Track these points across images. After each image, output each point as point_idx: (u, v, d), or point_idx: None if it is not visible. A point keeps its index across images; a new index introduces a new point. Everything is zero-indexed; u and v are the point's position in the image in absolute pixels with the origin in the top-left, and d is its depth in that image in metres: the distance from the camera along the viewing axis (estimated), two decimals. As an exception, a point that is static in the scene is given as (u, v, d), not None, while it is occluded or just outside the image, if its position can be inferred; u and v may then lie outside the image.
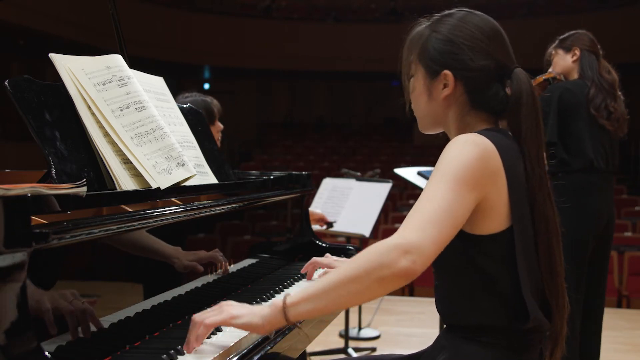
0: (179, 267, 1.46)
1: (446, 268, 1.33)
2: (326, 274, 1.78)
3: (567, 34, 3.00)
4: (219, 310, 1.20)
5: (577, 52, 2.90)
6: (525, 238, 1.29)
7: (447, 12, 1.41)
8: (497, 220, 1.27)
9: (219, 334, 1.34)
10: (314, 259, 1.83)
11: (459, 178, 1.20)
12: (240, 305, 1.22)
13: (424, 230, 1.15)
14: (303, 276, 1.90)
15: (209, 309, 1.23)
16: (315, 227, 3.55)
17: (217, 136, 2.93)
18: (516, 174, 1.29)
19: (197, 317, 1.20)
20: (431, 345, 1.45)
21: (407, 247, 1.13)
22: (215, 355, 1.20)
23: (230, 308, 1.20)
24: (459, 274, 1.31)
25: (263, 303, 1.21)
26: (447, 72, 1.35)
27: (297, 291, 1.19)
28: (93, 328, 1.14)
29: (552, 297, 1.33)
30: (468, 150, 1.23)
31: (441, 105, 1.38)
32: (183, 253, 1.48)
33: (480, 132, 1.29)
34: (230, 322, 1.18)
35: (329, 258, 1.82)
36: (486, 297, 1.29)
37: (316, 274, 1.89)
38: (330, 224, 3.59)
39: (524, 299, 1.26)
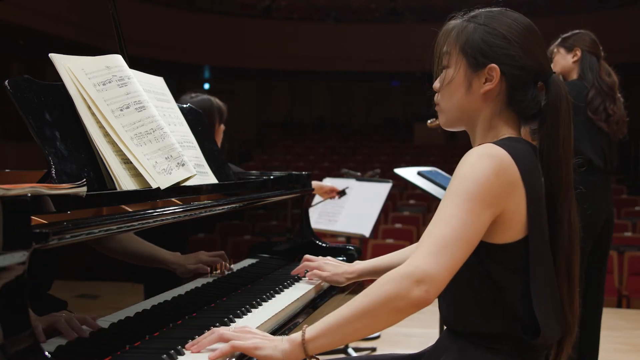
0: (181, 273, 1.46)
1: (457, 276, 1.32)
2: (314, 275, 1.79)
3: (569, 33, 2.99)
4: (242, 335, 1.20)
5: (579, 53, 2.91)
6: (543, 248, 1.28)
7: (487, 8, 1.39)
8: (513, 230, 1.25)
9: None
10: (306, 259, 1.84)
11: (474, 196, 1.18)
12: (261, 334, 1.22)
13: (436, 257, 1.14)
14: (303, 276, 1.90)
15: (231, 327, 1.25)
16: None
17: (220, 138, 2.94)
18: (534, 183, 1.27)
19: (222, 331, 1.21)
20: (433, 346, 1.45)
21: (420, 276, 1.12)
22: (215, 355, 1.20)
23: (253, 338, 1.20)
24: (469, 282, 1.29)
25: (283, 336, 1.23)
26: (494, 65, 1.32)
27: (314, 325, 1.20)
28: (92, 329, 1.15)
29: (567, 307, 1.32)
30: (483, 165, 1.21)
31: (477, 100, 1.35)
32: (183, 258, 1.48)
33: (496, 143, 1.27)
34: (253, 352, 1.18)
35: (319, 259, 1.82)
36: (495, 307, 1.27)
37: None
38: (342, 192, 3.51)
39: (534, 311, 1.25)
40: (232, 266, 1.74)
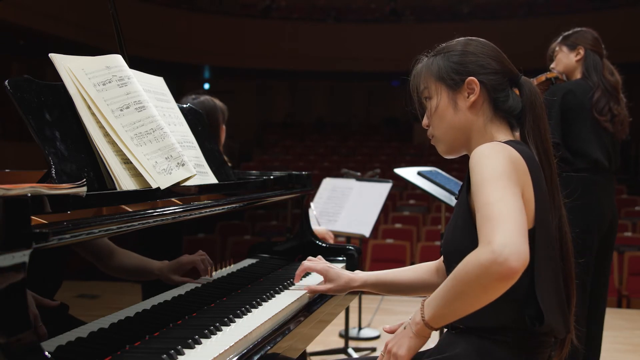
0: (166, 281, 1.41)
1: None
2: (314, 290, 1.74)
3: (571, 31, 2.94)
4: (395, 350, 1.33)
5: (582, 52, 2.86)
6: (548, 241, 1.32)
7: (447, 42, 1.50)
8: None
9: (219, 333, 1.34)
10: (304, 264, 1.75)
11: (502, 177, 1.23)
12: (401, 341, 1.33)
13: (500, 228, 1.15)
14: (303, 277, 1.89)
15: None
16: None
17: (223, 137, 2.95)
18: (538, 178, 1.33)
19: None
20: (438, 342, 1.46)
21: (494, 250, 1.13)
22: (215, 355, 1.20)
23: (400, 351, 1.32)
24: None
25: (405, 324, 1.37)
26: (471, 78, 1.42)
27: (427, 306, 1.29)
28: (93, 328, 1.15)
29: (570, 299, 1.38)
30: (496, 156, 1.27)
31: (467, 114, 1.43)
32: (167, 266, 1.41)
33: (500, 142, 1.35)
34: (412, 355, 1.33)
35: (321, 263, 1.74)
36: (502, 299, 1.26)
37: (307, 280, 1.86)
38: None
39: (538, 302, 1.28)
40: (232, 266, 1.74)
